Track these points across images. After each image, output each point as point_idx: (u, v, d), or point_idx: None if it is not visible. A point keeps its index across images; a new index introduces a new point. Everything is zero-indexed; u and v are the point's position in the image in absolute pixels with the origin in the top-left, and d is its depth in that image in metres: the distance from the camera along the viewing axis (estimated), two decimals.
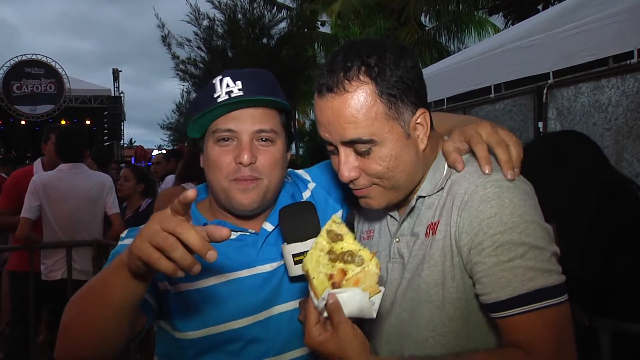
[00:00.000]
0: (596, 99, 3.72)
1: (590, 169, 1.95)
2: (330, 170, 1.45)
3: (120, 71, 19.72)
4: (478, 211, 1.00)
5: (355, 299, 0.92)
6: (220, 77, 1.20)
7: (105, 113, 18.34)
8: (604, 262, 1.81)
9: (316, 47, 20.31)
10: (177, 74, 13.48)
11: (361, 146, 1.05)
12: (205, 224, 1.25)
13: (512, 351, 0.94)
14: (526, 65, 4.23)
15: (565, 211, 1.87)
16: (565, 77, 3.95)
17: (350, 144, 1.06)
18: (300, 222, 1.19)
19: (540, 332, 0.93)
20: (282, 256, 1.25)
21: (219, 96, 1.17)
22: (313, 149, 6.45)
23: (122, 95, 19.33)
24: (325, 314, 0.95)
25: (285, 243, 1.19)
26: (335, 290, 0.92)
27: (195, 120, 1.19)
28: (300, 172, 1.48)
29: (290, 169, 1.50)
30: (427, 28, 18.06)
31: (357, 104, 1.03)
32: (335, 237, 0.99)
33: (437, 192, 1.12)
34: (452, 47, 17.04)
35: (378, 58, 1.04)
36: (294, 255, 1.17)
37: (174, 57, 13.46)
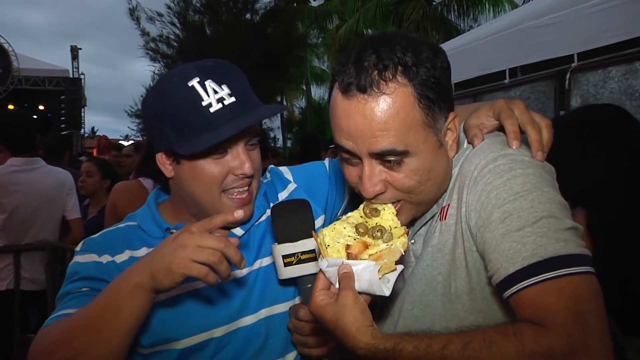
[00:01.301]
0: (628, 85, 3.73)
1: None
2: (316, 173, 1.50)
3: (80, 49, 19.47)
4: (486, 184, 1.02)
5: (366, 272, 0.98)
6: (197, 79, 1.18)
7: (62, 97, 18.05)
8: (630, 263, 1.81)
9: (307, 23, 20.23)
10: (147, 53, 13.38)
11: (392, 157, 1.05)
12: (167, 229, 1.30)
13: (521, 324, 0.90)
14: (546, 46, 4.23)
15: (599, 196, 1.86)
16: (591, 59, 3.96)
17: (380, 155, 1.05)
18: (293, 220, 1.22)
19: (553, 302, 0.90)
20: (252, 262, 1.31)
21: (209, 104, 1.17)
22: (302, 140, 6.35)
23: (82, 76, 19.07)
24: (337, 285, 1.00)
25: (276, 243, 1.22)
26: (350, 262, 0.99)
27: (199, 137, 1.16)
28: (282, 169, 1.52)
29: (272, 166, 1.54)
30: (434, 2, 18.11)
31: (394, 108, 1.02)
32: (372, 213, 1.08)
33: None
34: (462, 25, 17.11)
35: (415, 57, 1.04)
36: (284, 257, 1.20)
37: (144, 33, 13.33)
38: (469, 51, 5.32)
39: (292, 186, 1.47)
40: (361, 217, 1.06)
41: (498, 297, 1.05)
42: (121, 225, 1.36)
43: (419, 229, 1.21)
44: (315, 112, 26.38)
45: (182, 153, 1.19)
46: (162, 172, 1.30)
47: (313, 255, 1.18)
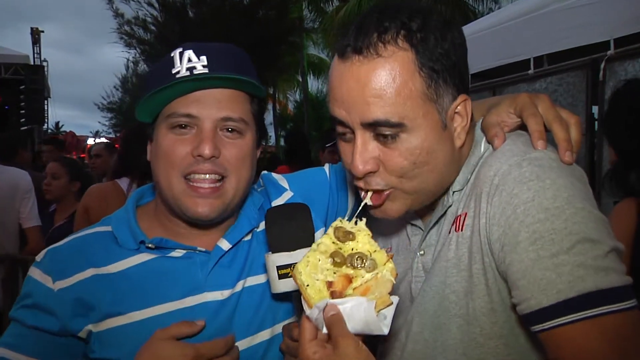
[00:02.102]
0: None
1: None
2: (315, 180, 1.52)
3: (42, 31, 19.49)
4: (512, 195, 1.01)
5: (359, 310, 0.95)
6: (180, 49, 1.25)
7: (22, 87, 17.98)
8: None
9: (303, 5, 20.28)
10: (121, 38, 13.33)
11: (386, 130, 1.06)
12: (141, 242, 1.29)
13: None
14: (578, 31, 4.24)
15: None
16: (630, 46, 3.96)
17: (373, 126, 1.06)
18: (290, 227, 1.22)
19: (597, 345, 0.91)
20: (235, 282, 1.31)
21: (177, 72, 1.22)
22: (288, 139, 6.00)
23: (44, 63, 19.04)
24: (324, 330, 0.96)
25: (270, 252, 1.21)
26: (335, 301, 0.96)
27: (146, 99, 1.21)
28: (277, 176, 1.53)
29: (265, 172, 1.55)
30: None
31: (390, 74, 1.04)
32: (345, 236, 1.03)
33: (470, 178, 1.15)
34: (480, 7, 17.18)
35: (422, 22, 1.06)
36: (278, 268, 1.19)
37: (117, 15, 13.30)
38: (488, 37, 5.32)
39: (287, 194, 1.47)
40: (333, 242, 1.03)
41: (524, 326, 1.05)
42: (92, 230, 1.36)
43: (427, 236, 1.21)
44: (311, 106, 26.39)
45: (138, 119, 1.25)
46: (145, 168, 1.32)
47: None
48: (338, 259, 1.00)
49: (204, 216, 1.24)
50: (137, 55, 13.87)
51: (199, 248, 1.30)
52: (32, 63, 18.49)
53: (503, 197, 1.02)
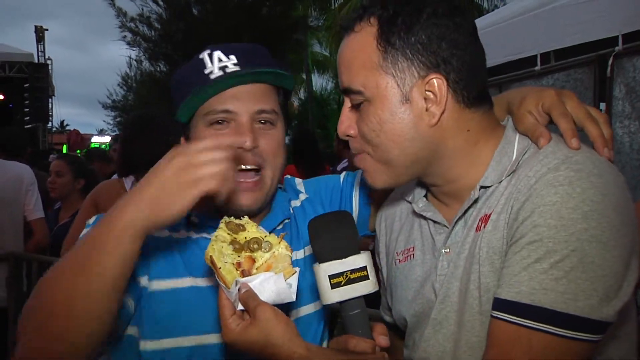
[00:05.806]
0: None
1: None
2: (327, 186, 1.61)
3: (47, 30, 19.55)
4: (539, 196, 1.02)
5: (269, 283, 1.07)
6: (208, 51, 1.35)
7: (26, 86, 18.06)
8: None
9: (307, 3, 20.25)
10: (125, 37, 13.40)
11: (353, 97, 1.19)
12: (189, 216, 1.37)
13: None
14: (585, 26, 4.22)
15: None
16: (638, 42, 3.94)
17: (345, 93, 1.21)
18: (340, 234, 1.19)
19: (518, 354, 0.97)
20: None
21: (211, 72, 1.31)
22: (295, 139, 5.68)
23: (49, 62, 19.11)
24: (239, 307, 1.07)
25: (318, 263, 1.18)
26: (246, 279, 1.08)
27: (187, 101, 1.29)
28: (297, 181, 1.63)
29: (288, 176, 1.64)
30: None
31: (354, 46, 1.18)
32: (237, 228, 1.16)
33: (504, 179, 1.15)
34: (486, 4, 17.11)
35: (402, 5, 1.12)
36: (330, 277, 1.14)
37: (120, 13, 13.37)
38: (494, 34, 5.30)
39: (303, 196, 1.57)
40: (228, 234, 1.14)
41: None
42: None
43: (452, 233, 1.21)
44: (317, 104, 26.38)
45: (176, 119, 1.32)
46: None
47: (364, 274, 1.15)
48: (237, 246, 1.12)
49: (248, 206, 1.33)
50: (141, 52, 13.90)
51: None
52: (36, 61, 18.53)
53: (532, 197, 1.03)
